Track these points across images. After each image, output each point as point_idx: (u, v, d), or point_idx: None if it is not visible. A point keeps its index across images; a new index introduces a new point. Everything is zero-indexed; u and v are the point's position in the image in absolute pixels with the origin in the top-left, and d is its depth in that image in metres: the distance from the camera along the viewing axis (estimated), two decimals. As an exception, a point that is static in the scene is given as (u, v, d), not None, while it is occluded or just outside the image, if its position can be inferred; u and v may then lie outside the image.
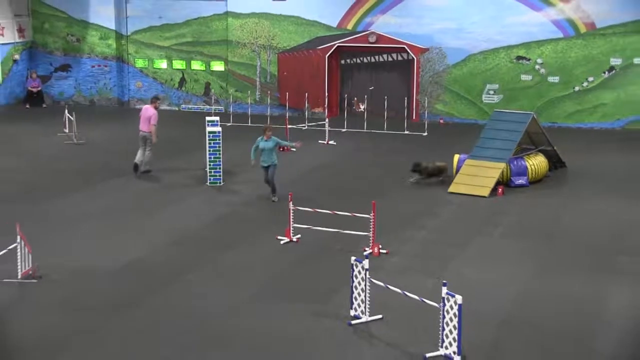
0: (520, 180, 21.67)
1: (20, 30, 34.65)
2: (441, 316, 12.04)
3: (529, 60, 30.50)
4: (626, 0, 29.21)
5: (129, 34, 34.59)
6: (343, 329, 12.98)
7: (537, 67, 30.44)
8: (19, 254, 14.97)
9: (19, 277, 14.93)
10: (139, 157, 22.96)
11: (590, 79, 30.02)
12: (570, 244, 17.37)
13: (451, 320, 11.88)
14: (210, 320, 13.43)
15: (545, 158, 22.71)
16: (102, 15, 34.33)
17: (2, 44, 33.77)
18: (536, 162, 22.21)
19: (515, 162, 21.73)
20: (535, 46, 30.32)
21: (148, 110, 23.02)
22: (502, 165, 21.34)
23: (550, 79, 30.33)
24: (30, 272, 15.16)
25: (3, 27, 33.74)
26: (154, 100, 23.60)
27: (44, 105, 34.30)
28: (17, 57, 34.51)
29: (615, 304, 14.15)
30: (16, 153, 25.28)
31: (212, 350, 12.35)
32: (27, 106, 34.33)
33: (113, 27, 34.35)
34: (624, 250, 16.97)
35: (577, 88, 30.17)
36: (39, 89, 34.81)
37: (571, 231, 18.25)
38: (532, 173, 21.89)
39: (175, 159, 24.86)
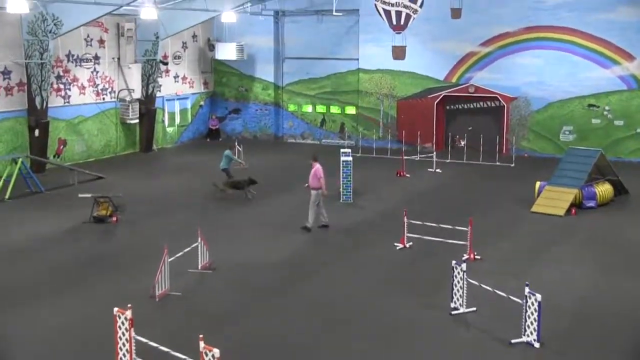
0: (590, 204, 20.87)
1: (205, 83, 35.65)
2: (524, 310, 11.72)
3: (598, 107, 29.41)
4: (680, 60, 27.96)
5: (283, 85, 35.12)
6: (445, 318, 12.78)
7: (605, 112, 29.30)
8: (199, 251, 15.39)
9: (199, 268, 15.33)
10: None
11: (650, 122, 28.77)
12: (630, 254, 16.62)
13: (532, 313, 11.56)
14: (337, 305, 13.49)
15: (611, 186, 21.82)
16: (265, 71, 34.98)
17: (193, 93, 34.81)
18: (603, 189, 21.38)
19: (586, 189, 20.97)
20: (604, 96, 29.22)
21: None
22: (576, 190, 20.64)
23: (616, 122, 29.15)
24: (207, 264, 15.54)
25: (193, 81, 34.83)
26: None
27: (220, 139, 34.98)
28: (202, 103, 35.52)
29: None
30: (199, 175, 25.81)
31: (337, 326, 12.34)
32: (208, 140, 35.17)
33: (272, 80, 34.95)
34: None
35: (639, 130, 28.90)
36: (217, 127, 35.65)
37: (630, 244, 17.43)
38: (600, 197, 21.06)
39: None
